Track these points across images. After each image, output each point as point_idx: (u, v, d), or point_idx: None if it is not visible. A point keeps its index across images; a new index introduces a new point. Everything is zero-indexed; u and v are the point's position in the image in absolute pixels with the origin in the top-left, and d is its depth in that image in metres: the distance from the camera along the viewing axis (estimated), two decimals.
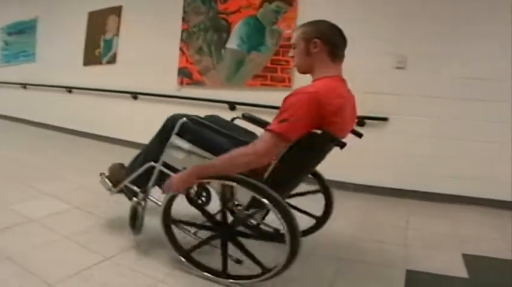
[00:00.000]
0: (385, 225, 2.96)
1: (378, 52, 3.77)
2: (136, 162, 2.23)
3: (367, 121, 3.72)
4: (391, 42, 3.73)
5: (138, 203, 2.12)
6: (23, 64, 7.18)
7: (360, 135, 2.18)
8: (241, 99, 4.39)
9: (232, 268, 1.89)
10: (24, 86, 7.03)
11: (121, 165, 2.38)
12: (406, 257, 2.37)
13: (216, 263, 1.91)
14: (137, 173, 2.15)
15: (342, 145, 1.66)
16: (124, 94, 5.40)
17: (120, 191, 2.30)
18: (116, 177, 2.31)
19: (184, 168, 1.88)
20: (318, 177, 2.38)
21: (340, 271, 2.14)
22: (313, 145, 1.67)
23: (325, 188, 2.37)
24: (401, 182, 3.73)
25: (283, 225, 1.62)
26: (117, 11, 5.57)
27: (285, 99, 1.64)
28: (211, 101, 4.55)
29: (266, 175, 1.73)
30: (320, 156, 1.94)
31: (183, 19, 4.92)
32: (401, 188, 3.71)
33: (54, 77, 6.42)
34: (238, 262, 1.91)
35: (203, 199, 2.44)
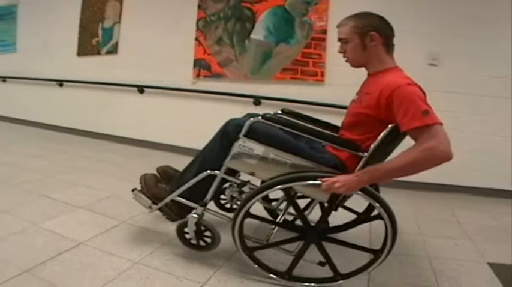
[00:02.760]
0: (439, 220, 2.95)
1: (412, 48, 3.63)
2: (188, 174, 2.00)
3: None
4: (425, 39, 3.68)
5: (199, 218, 1.94)
6: (1, 55, 6.53)
7: None
8: (267, 93, 4.16)
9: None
10: (3, 79, 6.41)
11: (155, 176, 2.16)
12: (479, 250, 2.39)
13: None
14: (189, 185, 1.94)
15: None
16: (128, 88, 5.00)
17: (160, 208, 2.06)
18: (153, 192, 2.06)
19: (252, 173, 1.82)
20: None
21: (429, 269, 2.12)
22: (398, 137, 1.73)
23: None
24: (435, 177, 3.68)
25: (383, 214, 1.72)
26: None
27: (394, 93, 1.61)
28: (233, 95, 4.28)
29: (356, 171, 1.70)
30: (394, 149, 1.91)
31: (199, 6, 4.57)
32: (435, 182, 3.70)
33: (40, 69, 5.86)
34: (322, 264, 1.86)
35: None
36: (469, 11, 3.53)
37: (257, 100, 4.18)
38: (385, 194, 3.32)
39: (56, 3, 5.78)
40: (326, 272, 1.85)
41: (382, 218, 1.73)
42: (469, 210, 3.20)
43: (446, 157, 1.53)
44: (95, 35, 5.35)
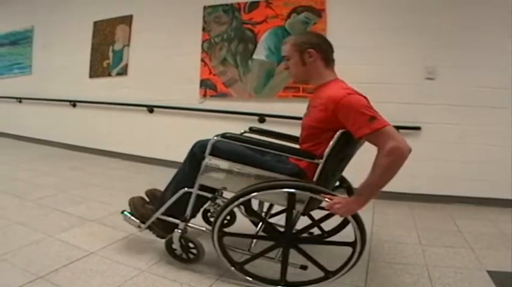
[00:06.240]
0: (439, 230, 2.99)
1: (409, 63, 3.82)
2: (167, 194, 2.17)
3: (401, 131, 3.74)
4: (420, 53, 3.78)
5: (182, 233, 2.09)
6: (18, 77, 6.81)
7: None
8: (271, 111, 4.29)
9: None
10: (19, 100, 6.66)
11: (142, 199, 2.32)
12: (479, 258, 2.43)
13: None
14: (169, 203, 2.09)
15: None
16: (138, 107, 5.19)
17: (148, 227, 2.21)
18: (140, 212, 2.24)
19: (224, 187, 1.98)
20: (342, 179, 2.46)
21: (425, 277, 2.15)
22: (350, 142, 1.80)
23: (349, 188, 2.45)
24: (436, 188, 3.80)
25: (352, 224, 1.80)
26: (127, 20, 5.35)
27: (336, 107, 1.75)
28: (238, 113, 4.43)
29: (316, 177, 1.84)
30: (352, 154, 2.04)
31: (203, 29, 4.77)
32: (436, 194, 3.78)
33: (54, 90, 6.11)
34: (304, 268, 1.98)
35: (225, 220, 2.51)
36: (465, 23, 3.64)
37: (262, 118, 4.31)
38: (386, 206, 3.46)
39: (69, 28, 6.04)
40: (318, 273, 1.95)
41: None
42: (470, 219, 3.24)
43: (408, 150, 1.66)
44: (106, 57, 5.57)
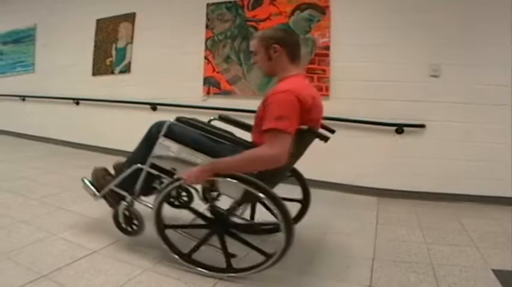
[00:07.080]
0: (443, 228, 2.96)
1: (413, 60, 3.80)
2: (124, 168, 2.25)
3: (405, 128, 3.79)
4: (425, 51, 3.77)
5: (128, 206, 2.20)
6: (21, 75, 6.82)
7: (332, 131, 2.32)
8: None
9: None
10: (23, 98, 6.67)
11: (105, 170, 2.40)
12: (484, 257, 2.41)
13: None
14: (123, 176, 2.19)
15: (326, 139, 1.96)
16: (141, 105, 5.18)
17: (103, 196, 2.32)
18: (100, 183, 2.34)
19: (173, 168, 2.04)
20: (296, 175, 2.55)
21: (431, 275, 2.14)
22: (299, 139, 1.83)
23: (302, 181, 2.55)
24: (441, 186, 3.77)
25: (278, 215, 1.78)
26: (130, 18, 5.35)
27: (267, 99, 1.82)
28: (242, 111, 4.39)
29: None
30: (302, 150, 2.08)
31: (207, 26, 4.76)
32: (441, 192, 3.74)
33: (57, 88, 6.13)
34: (233, 256, 2.00)
35: (185, 199, 2.70)
36: (469, 21, 3.63)
37: None
38: (391, 205, 3.45)
39: (72, 26, 6.05)
40: (222, 263, 2.00)
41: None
42: (475, 218, 3.22)
43: (274, 161, 1.72)
44: (109, 55, 5.58)
